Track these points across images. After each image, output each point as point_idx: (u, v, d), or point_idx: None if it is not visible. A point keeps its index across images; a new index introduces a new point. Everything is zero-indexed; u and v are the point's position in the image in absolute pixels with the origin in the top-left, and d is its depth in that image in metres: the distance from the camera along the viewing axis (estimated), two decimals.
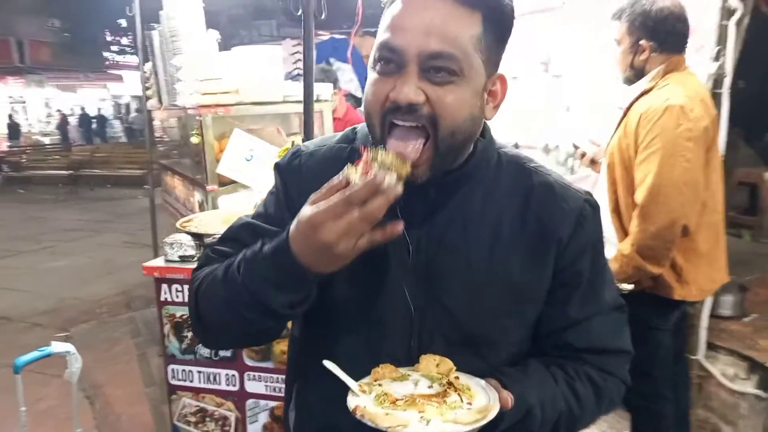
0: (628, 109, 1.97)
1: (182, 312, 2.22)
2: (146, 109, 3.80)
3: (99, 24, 17.22)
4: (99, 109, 22.44)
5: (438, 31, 0.77)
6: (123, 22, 17.88)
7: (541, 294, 0.89)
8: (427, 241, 0.87)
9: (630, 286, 1.94)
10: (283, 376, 2.19)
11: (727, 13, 2.32)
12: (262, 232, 0.92)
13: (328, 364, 0.86)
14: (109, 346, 4.21)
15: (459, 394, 0.79)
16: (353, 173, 0.74)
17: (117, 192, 11.88)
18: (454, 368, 0.83)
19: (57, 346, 1.91)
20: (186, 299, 2.21)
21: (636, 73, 1.99)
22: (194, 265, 2.26)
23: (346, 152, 0.93)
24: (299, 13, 1.45)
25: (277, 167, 0.99)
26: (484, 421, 0.74)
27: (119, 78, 23.50)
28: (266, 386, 2.22)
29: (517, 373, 0.86)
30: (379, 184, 0.71)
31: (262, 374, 2.20)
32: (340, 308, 0.93)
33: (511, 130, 3.33)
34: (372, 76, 0.83)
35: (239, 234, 0.97)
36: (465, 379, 0.82)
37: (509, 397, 0.78)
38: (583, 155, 2.37)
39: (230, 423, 2.29)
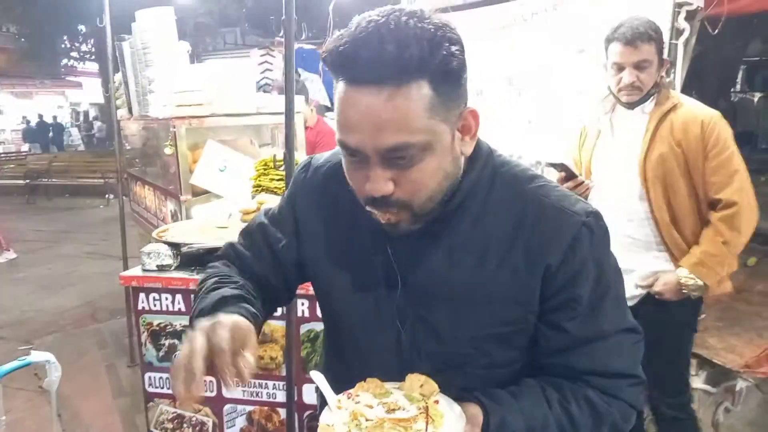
0: (658, 125, 1.96)
1: (160, 320, 2.25)
2: (116, 119, 3.80)
3: (57, 30, 16.76)
4: (55, 117, 21.85)
5: (388, 125, 0.75)
6: (83, 28, 17.48)
7: (527, 319, 0.90)
8: (414, 266, 0.90)
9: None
10: (260, 381, 2.26)
11: (676, 32, 2.50)
12: (271, 234, 1.04)
13: (315, 375, 0.90)
14: (76, 357, 4.15)
15: (427, 422, 0.80)
16: None
17: (76, 202, 11.61)
18: (437, 391, 0.84)
19: (36, 356, 1.93)
20: (163, 308, 2.25)
21: (653, 92, 1.97)
22: (172, 275, 2.30)
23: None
24: (281, 34, 1.53)
25: (295, 176, 1.08)
26: None
27: (78, 85, 22.98)
28: (243, 391, 2.26)
29: (506, 396, 0.87)
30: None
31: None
32: (340, 318, 1.02)
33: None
34: (344, 161, 0.85)
35: (254, 231, 1.08)
36: (444, 405, 0.83)
37: None
38: (565, 179, 2.11)
39: (207, 428, 2.32)
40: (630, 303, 2.04)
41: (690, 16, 2.44)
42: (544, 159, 2.54)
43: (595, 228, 0.87)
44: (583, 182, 2.09)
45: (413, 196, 0.81)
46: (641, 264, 2.03)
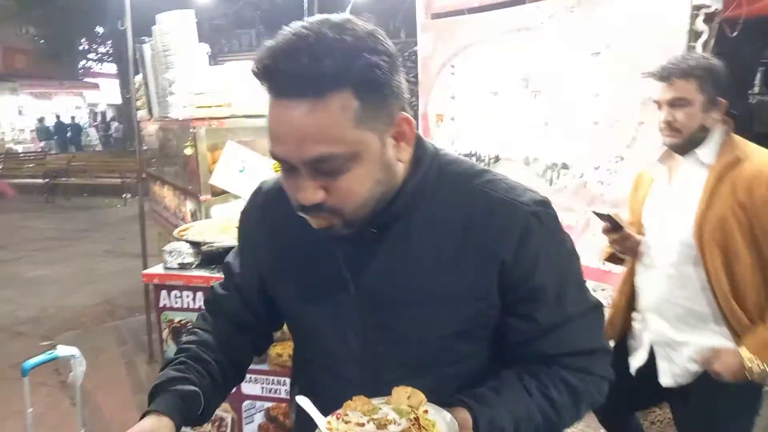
0: (718, 182, 1.71)
1: (181, 317, 2.30)
2: (136, 120, 3.87)
3: (75, 31, 17.02)
4: (73, 118, 22.13)
5: (311, 136, 0.75)
6: (101, 30, 17.71)
7: (487, 312, 0.90)
8: (368, 273, 0.90)
9: None
10: (279, 378, 2.29)
11: (694, 35, 2.49)
12: (233, 268, 1.09)
13: (301, 400, 0.89)
14: (95, 354, 4.22)
15: None
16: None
17: (94, 201, 11.78)
18: (425, 400, 0.85)
19: (62, 350, 1.98)
20: (184, 305, 2.30)
21: (700, 136, 1.75)
22: (193, 273, 2.35)
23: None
24: None
25: (246, 202, 1.09)
26: None
27: (96, 86, 23.27)
28: (262, 387, 2.31)
29: (489, 393, 0.88)
30: None
31: (258, 376, 2.30)
32: (303, 332, 1.04)
33: (492, 143, 3.48)
34: (280, 170, 0.86)
35: (224, 270, 1.12)
36: (434, 413, 0.84)
37: None
38: (610, 230, 1.91)
39: (227, 424, 2.37)
40: (681, 380, 1.83)
41: (708, 19, 2.44)
42: (559, 161, 2.54)
43: (543, 216, 0.88)
44: (630, 235, 1.88)
45: (344, 204, 0.81)
46: (696, 338, 1.79)
